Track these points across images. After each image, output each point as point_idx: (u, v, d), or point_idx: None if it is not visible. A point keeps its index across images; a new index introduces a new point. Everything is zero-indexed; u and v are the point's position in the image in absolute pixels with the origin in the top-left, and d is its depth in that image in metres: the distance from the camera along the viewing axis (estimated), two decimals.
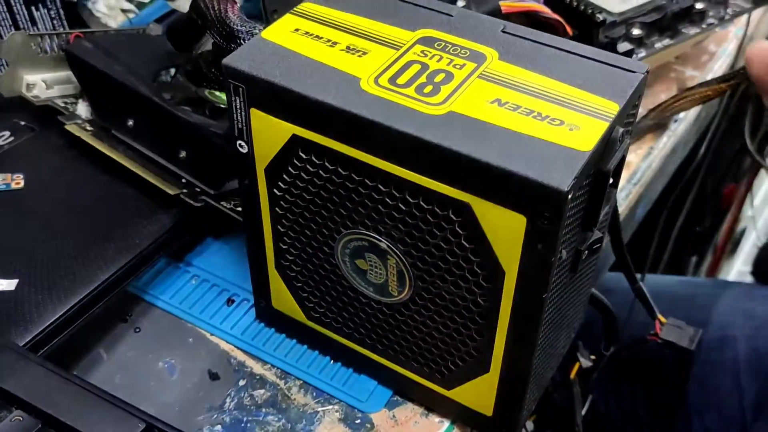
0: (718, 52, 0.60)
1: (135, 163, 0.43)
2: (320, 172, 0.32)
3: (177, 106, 0.43)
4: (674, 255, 0.88)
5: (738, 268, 1.08)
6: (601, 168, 0.29)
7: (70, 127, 0.45)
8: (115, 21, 0.60)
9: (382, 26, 0.33)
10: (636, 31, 0.50)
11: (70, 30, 0.51)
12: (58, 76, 0.48)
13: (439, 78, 0.30)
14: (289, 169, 0.32)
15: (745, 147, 0.71)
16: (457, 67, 0.31)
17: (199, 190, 0.42)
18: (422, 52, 0.32)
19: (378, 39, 0.32)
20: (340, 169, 0.31)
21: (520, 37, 0.33)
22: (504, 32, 0.33)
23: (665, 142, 0.53)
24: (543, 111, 0.29)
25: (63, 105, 0.47)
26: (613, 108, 0.29)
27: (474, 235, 0.29)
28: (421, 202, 0.30)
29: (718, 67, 0.59)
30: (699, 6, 0.52)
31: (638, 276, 0.67)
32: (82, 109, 0.47)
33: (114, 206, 0.42)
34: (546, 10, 0.48)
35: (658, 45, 0.51)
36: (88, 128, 0.45)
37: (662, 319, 0.50)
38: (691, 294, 0.72)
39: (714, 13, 0.53)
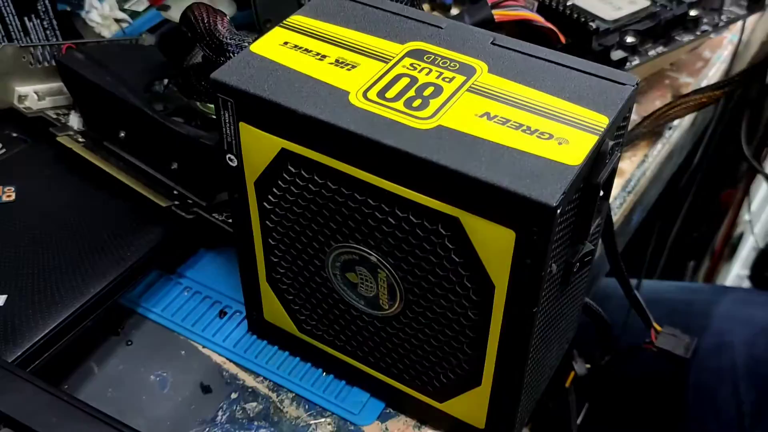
0: (713, 59, 0.60)
1: (127, 174, 0.43)
2: (310, 185, 0.31)
3: (169, 117, 0.43)
4: (672, 260, 0.88)
5: (736, 272, 1.08)
6: (591, 181, 0.29)
7: (62, 139, 0.45)
8: (108, 30, 0.60)
9: (372, 39, 0.33)
10: (629, 39, 0.50)
11: (62, 41, 0.51)
12: (50, 88, 0.48)
13: (428, 91, 0.30)
14: (279, 182, 0.32)
15: (742, 152, 0.72)
16: (447, 80, 0.31)
17: (191, 201, 0.42)
18: (411, 65, 0.32)
19: (367, 52, 0.32)
20: (329, 183, 0.31)
21: (510, 49, 0.33)
22: (494, 44, 0.33)
23: (660, 150, 0.53)
24: (532, 125, 0.29)
25: (55, 116, 0.47)
26: (602, 121, 0.29)
27: (463, 249, 0.29)
28: (411, 217, 0.29)
29: (713, 74, 0.59)
30: (693, 13, 0.52)
31: (634, 281, 0.67)
32: (74, 120, 0.47)
33: (105, 219, 0.42)
34: (539, 19, 0.48)
35: (651, 52, 0.51)
36: (80, 140, 0.45)
37: (657, 327, 0.50)
38: (688, 300, 0.72)
39: (708, 20, 0.53)
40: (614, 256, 0.45)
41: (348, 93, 0.30)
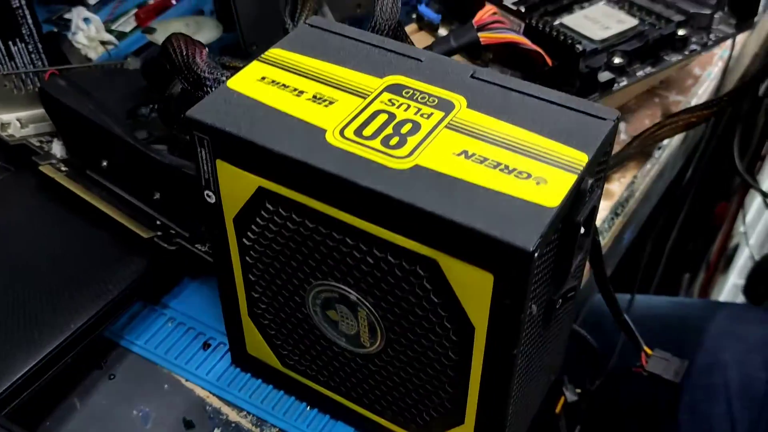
0: (703, 76, 0.59)
1: (109, 204, 0.43)
2: (288, 224, 0.31)
3: (152, 145, 0.43)
4: (667, 273, 0.87)
5: (732, 282, 1.08)
6: (571, 220, 0.29)
7: (44, 168, 0.44)
8: (95, 52, 0.60)
9: (350, 73, 0.33)
10: (617, 60, 0.50)
11: (45, 68, 0.50)
12: (34, 114, 0.48)
13: (405, 129, 0.30)
14: (257, 220, 0.32)
15: (735, 166, 0.71)
16: (425, 116, 0.30)
17: (173, 232, 0.42)
18: (390, 100, 0.31)
19: (345, 87, 0.32)
20: (307, 222, 0.30)
21: (489, 82, 0.32)
22: (473, 77, 0.32)
23: (649, 170, 0.53)
24: (510, 163, 0.28)
25: (38, 144, 0.47)
26: (582, 159, 0.29)
27: (442, 290, 0.28)
28: (389, 257, 0.29)
29: (702, 91, 0.58)
30: (681, 32, 0.51)
31: (627, 297, 0.67)
32: (57, 148, 0.46)
33: (88, 250, 0.42)
34: (525, 42, 0.48)
35: (640, 73, 0.51)
36: (63, 168, 0.45)
37: (648, 350, 0.50)
38: (681, 315, 0.72)
39: (697, 39, 0.53)
40: (603, 281, 0.45)
41: (325, 131, 0.30)
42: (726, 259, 0.95)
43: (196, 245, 0.41)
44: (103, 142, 0.43)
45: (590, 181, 0.29)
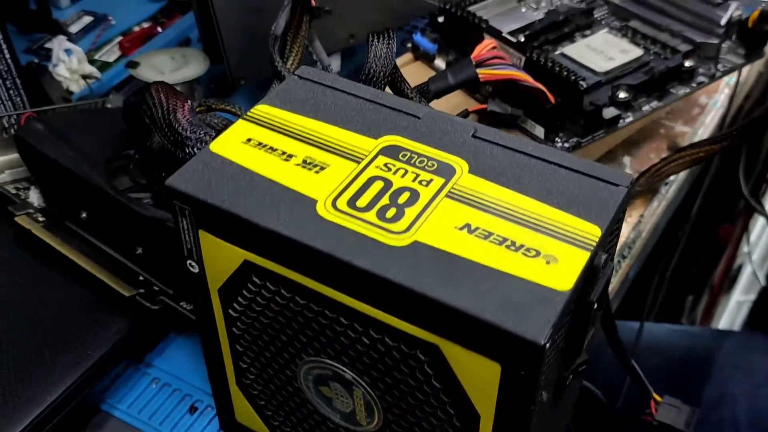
0: (709, 104, 0.57)
1: (89, 260, 0.40)
2: (276, 298, 0.29)
3: (135, 194, 0.41)
4: (670, 295, 0.85)
5: (736, 299, 1.06)
6: (584, 300, 0.26)
7: (21, 219, 0.42)
8: (77, 85, 0.58)
9: (343, 133, 0.30)
10: (622, 95, 0.47)
11: (21, 111, 0.48)
12: (10, 160, 0.45)
13: (403, 198, 0.28)
14: (244, 292, 0.30)
15: (740, 189, 0.69)
16: (423, 183, 0.28)
17: (157, 289, 0.39)
18: (386, 165, 0.29)
19: (338, 150, 0.30)
20: (297, 298, 0.28)
21: (492, 143, 0.30)
22: (475, 137, 0.30)
23: (656, 208, 0.51)
24: (517, 239, 0.26)
25: (15, 191, 0.44)
26: (594, 233, 0.26)
27: (445, 376, 0.26)
28: (387, 339, 0.27)
29: (710, 120, 0.56)
30: (688, 64, 0.49)
31: (636, 325, 0.65)
32: (35, 196, 0.44)
33: (66, 309, 0.39)
34: (527, 79, 0.45)
35: (646, 108, 0.48)
36: (40, 219, 0.42)
37: (657, 397, 0.47)
38: (687, 346, 0.70)
39: (704, 70, 0.50)
40: (611, 333, 0.43)
41: (316, 202, 0.28)
42: (730, 281, 0.93)
43: (182, 303, 0.39)
44: (82, 193, 0.41)
45: (604, 257, 0.27)
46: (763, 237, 0.93)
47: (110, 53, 0.62)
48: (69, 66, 0.57)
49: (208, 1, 0.49)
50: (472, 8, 0.56)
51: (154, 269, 0.39)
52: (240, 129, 0.31)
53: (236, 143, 0.30)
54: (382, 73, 0.38)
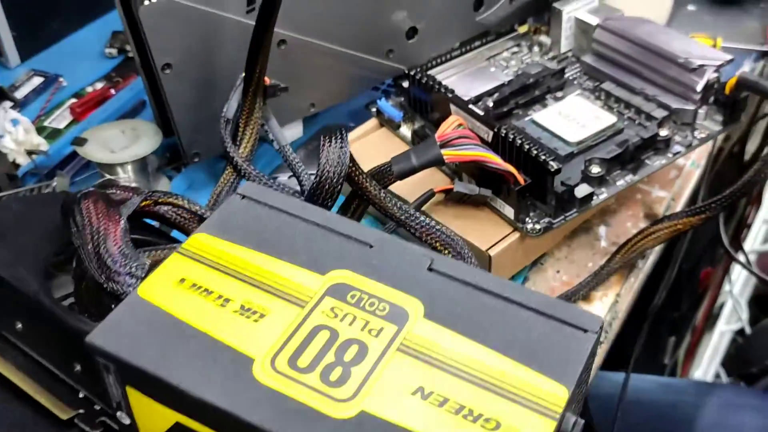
0: (687, 166, 0.55)
1: (24, 375, 0.37)
2: None
3: (71, 307, 0.38)
4: (651, 337, 0.83)
5: (720, 329, 1.04)
6: None
7: None
8: (24, 157, 0.55)
9: (287, 268, 0.28)
10: (595, 170, 0.45)
11: None
12: None
13: (350, 354, 0.25)
14: None
15: (719, 237, 0.67)
16: (373, 333, 0.26)
17: (98, 408, 0.36)
18: (332, 309, 0.26)
19: (280, 292, 0.27)
20: None
21: (450, 277, 0.27)
22: (430, 270, 0.28)
23: (633, 283, 0.48)
24: (475, 407, 0.24)
25: None
26: (560, 397, 0.24)
27: None
28: None
29: (688, 184, 0.54)
30: (663, 133, 0.47)
31: (622, 375, 0.63)
32: None
33: None
34: (495, 160, 0.43)
35: (620, 182, 0.46)
36: None
37: None
38: (672, 402, 0.68)
39: (680, 138, 0.48)
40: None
41: (253, 361, 0.25)
42: (711, 321, 0.91)
43: None
44: (15, 302, 0.38)
45: (572, 420, 0.24)
46: (742, 273, 0.91)
47: (61, 119, 0.59)
48: (15, 137, 0.54)
49: (156, 78, 0.46)
50: (438, 71, 0.54)
51: (95, 387, 0.36)
52: (174, 266, 0.28)
53: (168, 285, 0.27)
54: (335, 174, 0.35)
